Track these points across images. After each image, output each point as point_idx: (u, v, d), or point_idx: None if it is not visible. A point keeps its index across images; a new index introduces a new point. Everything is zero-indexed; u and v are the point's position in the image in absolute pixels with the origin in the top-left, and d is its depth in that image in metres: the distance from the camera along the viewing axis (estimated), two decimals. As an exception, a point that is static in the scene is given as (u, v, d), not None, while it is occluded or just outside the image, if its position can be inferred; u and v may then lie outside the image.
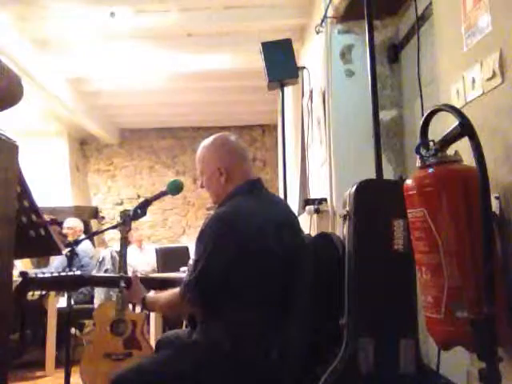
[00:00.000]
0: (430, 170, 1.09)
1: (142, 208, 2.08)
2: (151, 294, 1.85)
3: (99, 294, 4.23)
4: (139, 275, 1.98)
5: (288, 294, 1.54)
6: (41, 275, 1.81)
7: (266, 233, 1.55)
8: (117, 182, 7.35)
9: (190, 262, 1.62)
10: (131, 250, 4.94)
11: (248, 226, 1.54)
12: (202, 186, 1.78)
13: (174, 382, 1.51)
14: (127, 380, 1.50)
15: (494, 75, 1.14)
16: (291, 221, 1.73)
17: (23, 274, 1.75)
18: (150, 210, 2.15)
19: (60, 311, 3.88)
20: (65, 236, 4.81)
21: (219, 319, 1.53)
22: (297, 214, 3.98)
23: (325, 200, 2.88)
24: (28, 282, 1.76)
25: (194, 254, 1.59)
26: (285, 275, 1.56)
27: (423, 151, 1.12)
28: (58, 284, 1.89)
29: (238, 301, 1.53)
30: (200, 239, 1.58)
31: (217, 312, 1.54)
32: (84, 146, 7.38)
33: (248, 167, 1.74)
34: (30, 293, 2.03)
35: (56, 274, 1.85)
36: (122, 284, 1.89)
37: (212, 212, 1.72)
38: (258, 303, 1.52)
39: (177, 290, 1.61)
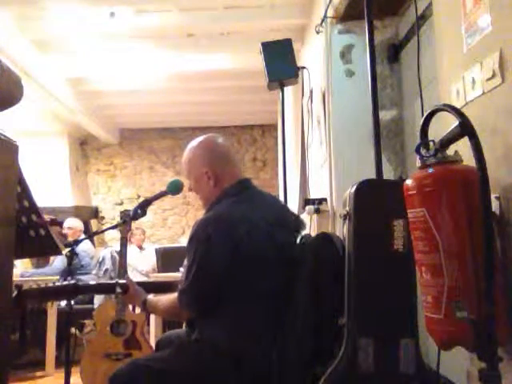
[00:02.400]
0: (430, 170, 1.09)
1: (142, 208, 2.08)
2: (151, 296, 1.85)
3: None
4: (139, 276, 1.98)
5: (286, 294, 1.54)
6: (35, 286, 1.81)
7: (257, 234, 1.55)
8: (117, 182, 7.35)
9: (185, 262, 1.62)
10: (131, 250, 4.94)
11: (238, 229, 1.53)
12: (190, 190, 1.77)
13: (172, 381, 1.52)
14: (125, 377, 1.51)
15: (493, 75, 1.14)
16: (284, 219, 1.73)
17: (17, 287, 1.74)
18: (150, 209, 2.16)
19: (60, 311, 3.88)
20: (64, 236, 4.82)
21: (217, 320, 1.54)
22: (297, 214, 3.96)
23: (325, 200, 2.88)
24: (23, 295, 1.75)
25: (187, 260, 1.59)
26: (281, 275, 1.56)
27: (423, 151, 1.12)
28: (53, 294, 1.89)
29: (234, 302, 1.53)
30: (190, 245, 1.57)
31: (214, 313, 1.54)
32: (84, 146, 7.38)
33: (236, 168, 1.72)
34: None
35: (50, 285, 1.85)
36: (118, 290, 1.89)
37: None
38: (254, 304, 1.53)
39: (175, 295, 1.62)
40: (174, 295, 1.65)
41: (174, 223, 7.25)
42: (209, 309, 1.55)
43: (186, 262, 1.63)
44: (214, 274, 1.52)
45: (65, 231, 4.92)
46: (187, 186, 1.81)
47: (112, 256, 4.55)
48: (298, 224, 1.81)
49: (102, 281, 4.16)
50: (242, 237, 1.52)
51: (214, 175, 1.66)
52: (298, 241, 1.69)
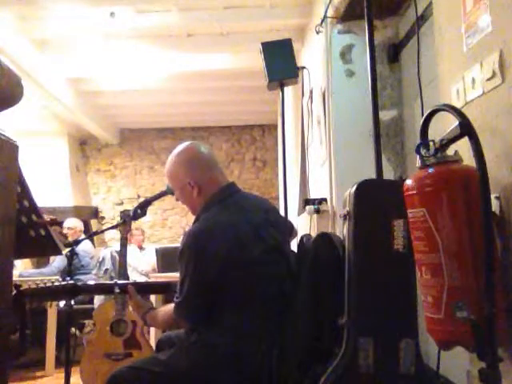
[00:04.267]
0: (430, 170, 1.09)
1: (142, 208, 2.08)
2: (150, 307, 1.85)
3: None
4: (139, 276, 1.98)
5: (286, 294, 1.54)
6: (34, 286, 1.81)
7: (248, 238, 1.55)
8: (117, 182, 7.35)
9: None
10: (131, 250, 4.94)
11: (228, 236, 1.53)
12: (177, 199, 1.77)
13: (171, 381, 1.51)
14: (124, 376, 1.51)
15: (493, 75, 1.14)
16: (274, 220, 1.72)
17: (16, 287, 1.73)
18: (150, 209, 2.16)
19: (60, 311, 3.88)
20: (65, 236, 4.82)
21: (216, 324, 1.54)
22: (297, 214, 3.97)
23: (325, 200, 2.88)
24: (21, 295, 1.75)
25: (179, 274, 1.59)
26: (277, 276, 1.57)
27: (423, 151, 1.12)
28: (52, 294, 1.88)
29: (231, 306, 1.53)
30: (181, 259, 1.57)
31: (213, 319, 1.55)
32: (84, 146, 7.38)
33: (219, 174, 1.71)
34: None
35: (49, 284, 1.85)
36: (117, 290, 1.89)
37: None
38: (252, 306, 1.53)
39: (171, 307, 1.63)
40: (169, 307, 1.66)
41: (174, 223, 7.24)
42: (206, 316, 1.55)
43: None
44: (208, 285, 1.52)
45: (65, 231, 4.92)
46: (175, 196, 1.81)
47: (112, 256, 4.55)
48: (290, 226, 1.81)
49: (102, 281, 4.16)
50: (232, 243, 1.52)
51: (197, 184, 1.65)
52: (298, 241, 1.69)
